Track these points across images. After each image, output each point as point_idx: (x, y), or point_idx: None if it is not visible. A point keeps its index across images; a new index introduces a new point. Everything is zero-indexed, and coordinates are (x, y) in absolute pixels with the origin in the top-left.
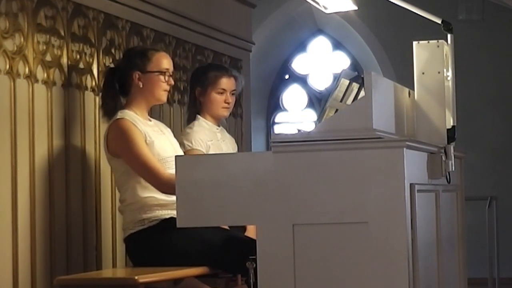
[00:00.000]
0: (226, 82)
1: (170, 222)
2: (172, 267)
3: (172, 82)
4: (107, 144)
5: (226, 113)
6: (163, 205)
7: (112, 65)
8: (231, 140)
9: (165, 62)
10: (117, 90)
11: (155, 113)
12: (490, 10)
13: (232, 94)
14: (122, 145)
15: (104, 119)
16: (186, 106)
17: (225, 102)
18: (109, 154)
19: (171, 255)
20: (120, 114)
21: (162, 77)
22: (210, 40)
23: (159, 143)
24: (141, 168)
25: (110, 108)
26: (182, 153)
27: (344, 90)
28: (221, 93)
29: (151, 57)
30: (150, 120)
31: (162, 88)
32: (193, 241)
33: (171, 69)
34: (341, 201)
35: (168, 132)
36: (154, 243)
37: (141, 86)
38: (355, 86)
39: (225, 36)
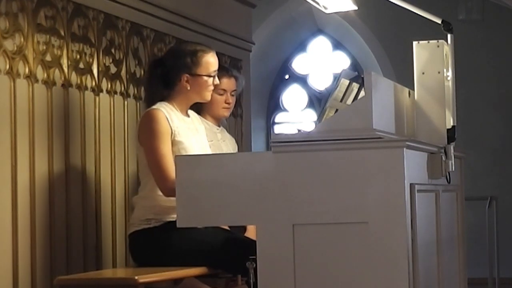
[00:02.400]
0: (226, 83)
1: (174, 223)
2: (172, 267)
3: (218, 82)
4: (138, 131)
5: (226, 113)
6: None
7: (156, 57)
8: (231, 140)
9: (214, 64)
10: (161, 83)
11: None
12: (490, 10)
13: (233, 94)
14: (146, 134)
15: (145, 106)
16: None
17: (226, 103)
18: (138, 142)
19: (171, 255)
20: (157, 105)
21: (210, 80)
22: (210, 40)
23: (188, 143)
24: (154, 164)
25: (154, 97)
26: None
27: (344, 90)
28: (222, 93)
29: (201, 60)
30: (188, 116)
31: (208, 90)
32: (194, 241)
33: (217, 67)
34: (341, 201)
35: (202, 130)
36: (155, 242)
37: (188, 88)
38: (355, 86)
39: (225, 36)
